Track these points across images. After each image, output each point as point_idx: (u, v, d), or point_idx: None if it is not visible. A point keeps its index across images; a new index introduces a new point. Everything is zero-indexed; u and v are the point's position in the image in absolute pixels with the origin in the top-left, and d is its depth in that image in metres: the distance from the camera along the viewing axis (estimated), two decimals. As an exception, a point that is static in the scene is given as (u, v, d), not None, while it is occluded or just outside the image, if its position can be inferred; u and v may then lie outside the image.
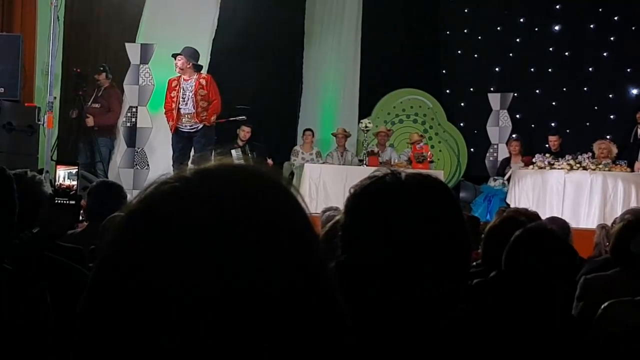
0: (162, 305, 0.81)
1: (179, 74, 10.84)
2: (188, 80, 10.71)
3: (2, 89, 9.93)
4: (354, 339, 0.91)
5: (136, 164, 12.47)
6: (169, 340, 0.81)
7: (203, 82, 10.72)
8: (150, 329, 0.81)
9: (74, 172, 3.30)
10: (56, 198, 3.14)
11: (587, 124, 15.42)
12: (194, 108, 10.63)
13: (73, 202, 3.17)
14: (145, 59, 12.55)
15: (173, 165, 10.73)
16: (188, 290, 0.81)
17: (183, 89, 10.71)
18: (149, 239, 0.85)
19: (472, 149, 16.16)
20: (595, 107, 15.67)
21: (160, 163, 11.81)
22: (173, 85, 10.82)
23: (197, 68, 10.88)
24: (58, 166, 3.32)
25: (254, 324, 0.82)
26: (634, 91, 15.57)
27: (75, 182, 3.23)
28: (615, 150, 11.64)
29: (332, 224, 2.00)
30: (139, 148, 12.50)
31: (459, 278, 1.60)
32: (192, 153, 10.81)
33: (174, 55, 10.76)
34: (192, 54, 10.78)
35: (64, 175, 3.26)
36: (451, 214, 1.61)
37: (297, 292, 0.85)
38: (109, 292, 0.85)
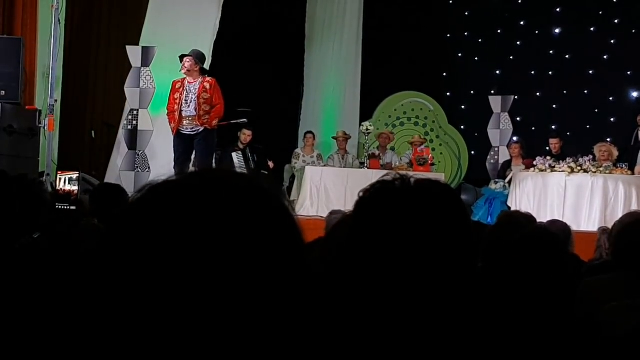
0: (146, 303, 0.82)
1: (184, 76, 10.81)
2: (193, 82, 10.68)
3: (3, 92, 9.94)
4: (337, 342, 0.92)
5: (137, 167, 12.48)
6: (154, 337, 0.81)
7: (207, 85, 10.68)
8: (136, 327, 0.82)
9: (74, 177, 3.30)
10: (57, 203, 3.14)
11: (588, 126, 15.42)
12: (196, 111, 10.61)
13: (74, 207, 3.17)
14: (146, 61, 12.57)
15: (174, 168, 10.71)
16: (171, 289, 0.82)
17: (187, 91, 10.67)
18: (138, 239, 0.86)
19: (473, 152, 16.16)
20: (596, 110, 15.67)
21: (162, 166, 11.82)
22: (177, 87, 10.78)
23: (203, 71, 10.86)
24: (59, 172, 3.31)
25: (233, 325, 0.82)
26: (635, 94, 15.57)
27: (75, 188, 3.23)
28: (616, 153, 11.62)
29: (334, 227, 1.99)
30: (140, 151, 12.52)
31: (463, 283, 1.60)
32: (193, 156, 10.80)
33: (182, 57, 10.73)
34: (200, 57, 10.75)
35: (65, 181, 3.25)
36: (458, 220, 1.61)
37: (279, 295, 0.86)
38: (100, 287, 0.86)
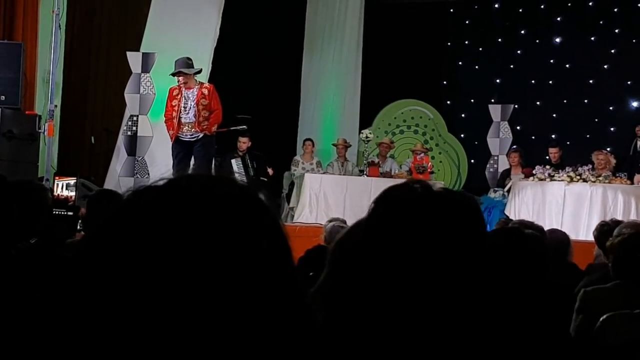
0: (129, 308, 0.82)
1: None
2: (190, 89, 10.68)
3: (3, 97, 9.94)
4: (324, 352, 0.91)
5: (136, 173, 12.47)
6: (138, 341, 0.81)
7: (205, 91, 10.69)
8: (119, 331, 0.81)
9: (72, 183, 3.29)
10: (54, 209, 3.14)
11: (588, 136, 15.42)
12: (195, 117, 10.61)
13: (71, 213, 3.17)
14: (146, 67, 12.57)
15: (173, 174, 10.66)
16: (153, 294, 0.81)
17: (185, 98, 10.67)
18: (122, 242, 0.85)
19: (472, 160, 16.16)
20: (596, 119, 15.67)
21: (161, 171, 11.69)
22: (174, 93, 10.78)
23: (197, 72, 10.88)
24: (57, 177, 3.30)
25: (217, 333, 0.82)
26: (634, 104, 15.57)
27: (73, 193, 3.22)
28: (613, 161, 11.63)
29: (346, 233, 1.97)
30: (139, 157, 12.51)
31: (472, 294, 1.58)
32: (192, 162, 10.80)
33: (173, 74, 10.74)
34: (187, 64, 10.72)
35: (62, 186, 3.24)
36: (477, 235, 1.59)
37: (263, 301, 0.85)
38: (82, 292, 0.85)
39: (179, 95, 10.70)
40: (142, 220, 0.88)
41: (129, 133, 12.62)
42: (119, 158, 12.65)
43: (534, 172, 11.57)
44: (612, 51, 15.73)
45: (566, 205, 10.92)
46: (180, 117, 10.64)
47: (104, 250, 0.86)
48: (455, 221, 1.56)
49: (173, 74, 10.73)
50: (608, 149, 12.74)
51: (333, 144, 13.72)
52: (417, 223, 1.54)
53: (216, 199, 0.91)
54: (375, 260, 1.54)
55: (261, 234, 0.90)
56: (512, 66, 16.53)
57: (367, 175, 12.37)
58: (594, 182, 10.91)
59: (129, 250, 0.85)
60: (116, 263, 0.84)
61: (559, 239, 5.43)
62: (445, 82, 17.12)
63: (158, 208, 0.89)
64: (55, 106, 10.51)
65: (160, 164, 12.08)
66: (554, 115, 16.10)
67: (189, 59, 10.78)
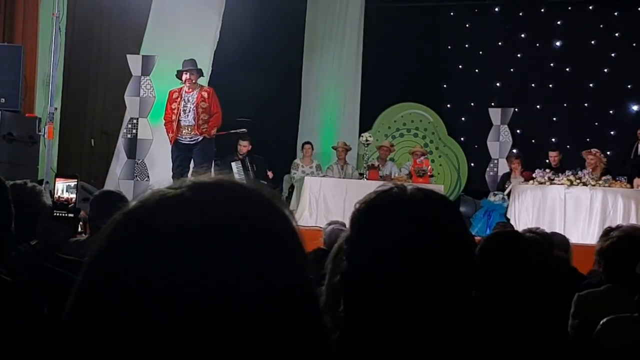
0: (149, 305, 0.81)
1: (181, 85, 10.85)
2: (190, 92, 10.70)
3: (3, 100, 9.93)
4: (335, 355, 0.91)
5: (136, 176, 12.47)
6: (155, 341, 0.81)
7: (205, 94, 10.71)
8: (137, 330, 0.81)
9: (72, 185, 3.27)
10: (55, 211, 3.12)
11: (588, 139, 15.42)
12: (194, 120, 10.64)
13: (72, 215, 3.15)
14: (146, 70, 12.56)
15: (172, 177, 10.72)
16: (171, 291, 0.81)
17: (184, 101, 10.69)
18: (138, 242, 0.85)
19: (472, 164, 16.16)
20: (596, 123, 15.68)
21: (161, 174, 11.80)
22: (174, 96, 10.80)
23: (199, 73, 10.91)
24: (57, 179, 3.28)
25: (234, 329, 0.82)
26: (635, 107, 15.58)
27: (74, 195, 3.20)
28: (604, 160, 11.66)
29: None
30: (139, 159, 12.51)
31: (463, 294, 1.58)
32: (191, 165, 10.81)
33: (179, 72, 10.77)
34: (195, 65, 10.81)
35: (63, 188, 3.22)
36: (456, 228, 1.60)
37: (279, 302, 0.85)
38: (96, 291, 0.85)
39: (179, 98, 10.72)
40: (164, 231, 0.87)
41: (129, 136, 12.61)
42: (119, 161, 12.64)
43: (533, 175, 11.56)
44: (612, 55, 15.75)
45: (566, 209, 10.91)
46: (179, 120, 10.66)
47: (128, 259, 0.86)
48: (429, 220, 1.57)
49: (181, 71, 10.77)
50: (609, 153, 12.75)
51: (333, 147, 13.71)
52: (394, 226, 1.55)
53: (240, 207, 0.90)
54: (360, 266, 1.55)
55: (282, 238, 0.91)
56: (512, 70, 16.55)
57: (367, 179, 12.36)
58: (594, 185, 10.90)
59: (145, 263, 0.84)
60: (138, 273, 0.84)
61: (559, 242, 5.44)
62: (445, 86, 17.14)
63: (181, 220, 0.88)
64: (55, 109, 10.49)
65: (160, 167, 12.08)
66: (554, 118, 16.12)
67: (194, 60, 10.89)
